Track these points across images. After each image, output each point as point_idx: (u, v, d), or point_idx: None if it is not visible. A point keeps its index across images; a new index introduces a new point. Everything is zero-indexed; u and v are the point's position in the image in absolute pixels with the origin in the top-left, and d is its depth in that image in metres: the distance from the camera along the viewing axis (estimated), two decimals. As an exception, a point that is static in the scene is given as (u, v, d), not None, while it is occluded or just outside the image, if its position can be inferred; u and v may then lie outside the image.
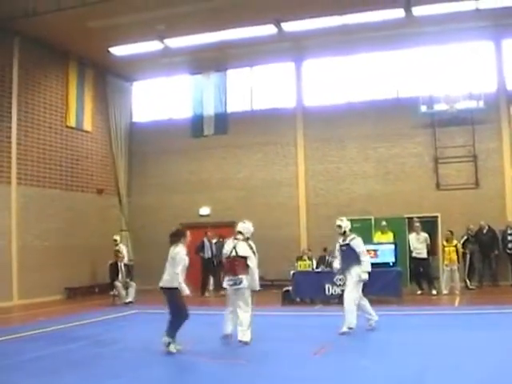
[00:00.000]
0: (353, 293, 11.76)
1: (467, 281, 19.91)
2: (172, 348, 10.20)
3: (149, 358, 10.24)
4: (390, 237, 19.31)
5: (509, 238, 20.13)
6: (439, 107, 21.51)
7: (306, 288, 17.58)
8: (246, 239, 11.28)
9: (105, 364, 9.79)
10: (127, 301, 18.46)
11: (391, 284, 17.04)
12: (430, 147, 22.03)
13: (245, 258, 10.97)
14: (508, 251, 20.28)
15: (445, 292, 18.83)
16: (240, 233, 11.29)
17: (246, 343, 10.75)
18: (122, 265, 19.22)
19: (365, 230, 20.91)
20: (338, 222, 12.16)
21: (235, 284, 10.95)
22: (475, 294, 19.00)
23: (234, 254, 11.07)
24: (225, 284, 11.22)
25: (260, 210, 22.70)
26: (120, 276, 18.94)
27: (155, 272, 22.55)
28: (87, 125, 23.53)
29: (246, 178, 24.08)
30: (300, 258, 18.94)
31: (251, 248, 11.14)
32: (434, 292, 18.96)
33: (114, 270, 19.10)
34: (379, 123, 22.47)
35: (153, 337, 12.17)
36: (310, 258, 18.79)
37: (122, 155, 25.10)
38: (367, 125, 22.59)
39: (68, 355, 10.54)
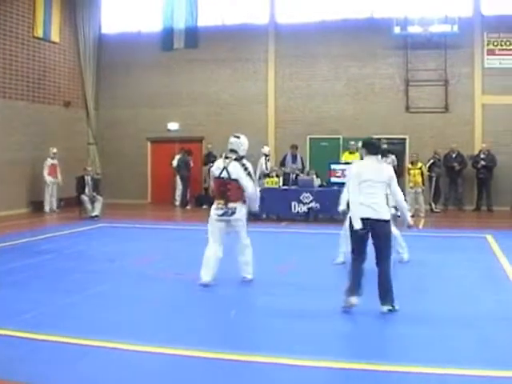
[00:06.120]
0: None
1: (432, 204, 20.24)
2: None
3: (115, 270, 10.34)
4: (357, 157, 19.34)
5: (482, 162, 20.29)
6: (413, 29, 21.31)
7: (273, 205, 17.64)
8: (241, 158, 9.02)
9: (73, 277, 9.86)
10: (93, 214, 18.36)
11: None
12: (401, 69, 21.90)
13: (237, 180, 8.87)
14: (479, 175, 20.49)
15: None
16: (232, 151, 9.06)
17: (250, 280, 9.26)
18: (89, 178, 19.06)
19: (333, 149, 21.06)
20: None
21: (225, 214, 8.93)
22: (440, 216, 19.34)
23: (225, 175, 8.94)
24: (212, 212, 9.05)
25: (229, 126, 22.38)
26: (87, 190, 18.82)
27: (122, 186, 22.91)
28: (55, 36, 22.80)
29: (216, 94, 23.71)
30: (268, 175, 19.04)
31: (246, 169, 8.97)
32: (399, 214, 19.15)
33: (81, 183, 18.94)
34: (352, 43, 22.19)
35: (118, 250, 12.31)
36: (277, 176, 18.88)
37: (90, 68, 24.46)
38: (340, 44, 22.31)
39: (37, 268, 10.59)
